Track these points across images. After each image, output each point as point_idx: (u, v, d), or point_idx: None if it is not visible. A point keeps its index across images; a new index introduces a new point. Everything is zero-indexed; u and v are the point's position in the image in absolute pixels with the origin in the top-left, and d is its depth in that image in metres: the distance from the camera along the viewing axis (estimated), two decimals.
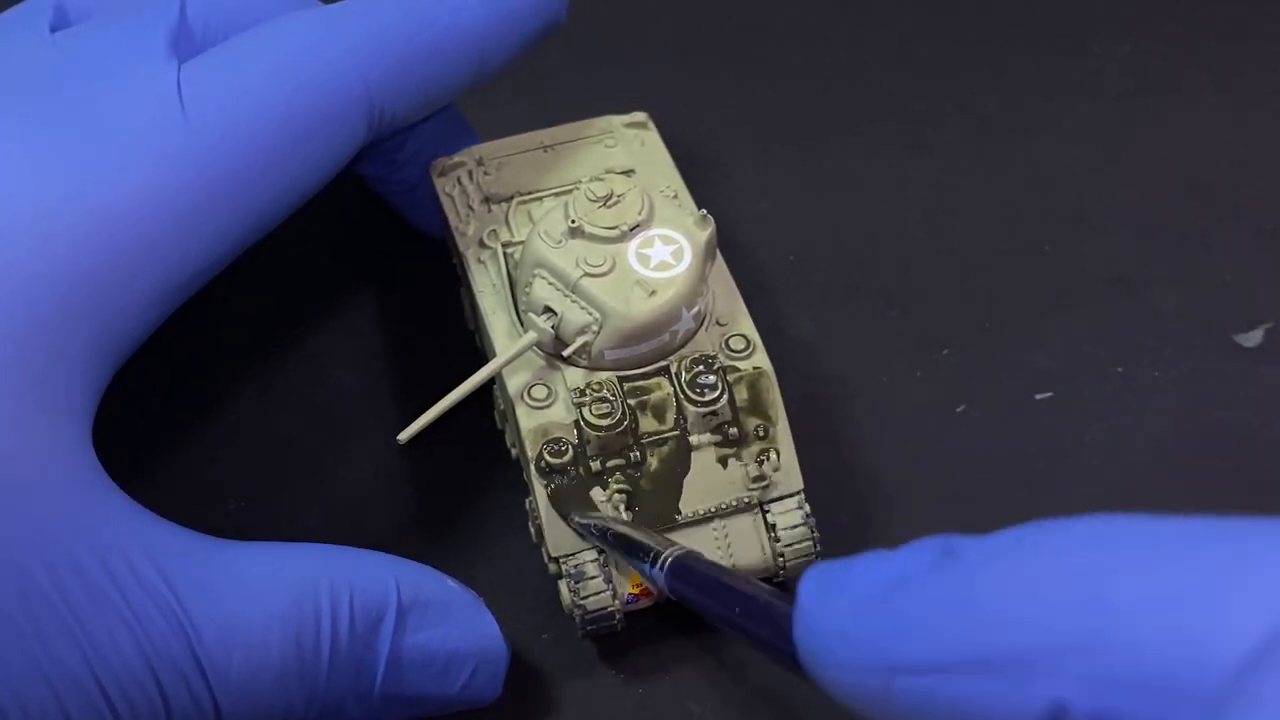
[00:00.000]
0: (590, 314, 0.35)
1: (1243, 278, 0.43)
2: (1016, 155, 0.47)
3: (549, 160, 0.40)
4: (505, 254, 0.38)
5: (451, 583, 0.34)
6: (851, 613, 0.24)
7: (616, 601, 0.35)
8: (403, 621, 0.32)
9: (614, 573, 0.35)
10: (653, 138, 0.41)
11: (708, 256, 0.36)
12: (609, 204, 0.35)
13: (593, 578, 0.35)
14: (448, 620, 0.33)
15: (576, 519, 0.34)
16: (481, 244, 0.38)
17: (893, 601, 0.24)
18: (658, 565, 0.31)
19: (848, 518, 0.38)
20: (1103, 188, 0.46)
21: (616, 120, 0.41)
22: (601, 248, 0.35)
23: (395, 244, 0.44)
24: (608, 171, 0.39)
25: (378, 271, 0.44)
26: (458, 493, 0.39)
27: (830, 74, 0.49)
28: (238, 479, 0.40)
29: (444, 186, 0.40)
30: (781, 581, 0.36)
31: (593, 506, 0.34)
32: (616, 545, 0.33)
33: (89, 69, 0.34)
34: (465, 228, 0.39)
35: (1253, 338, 0.42)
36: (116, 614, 0.30)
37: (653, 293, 0.34)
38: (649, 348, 0.35)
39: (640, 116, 0.41)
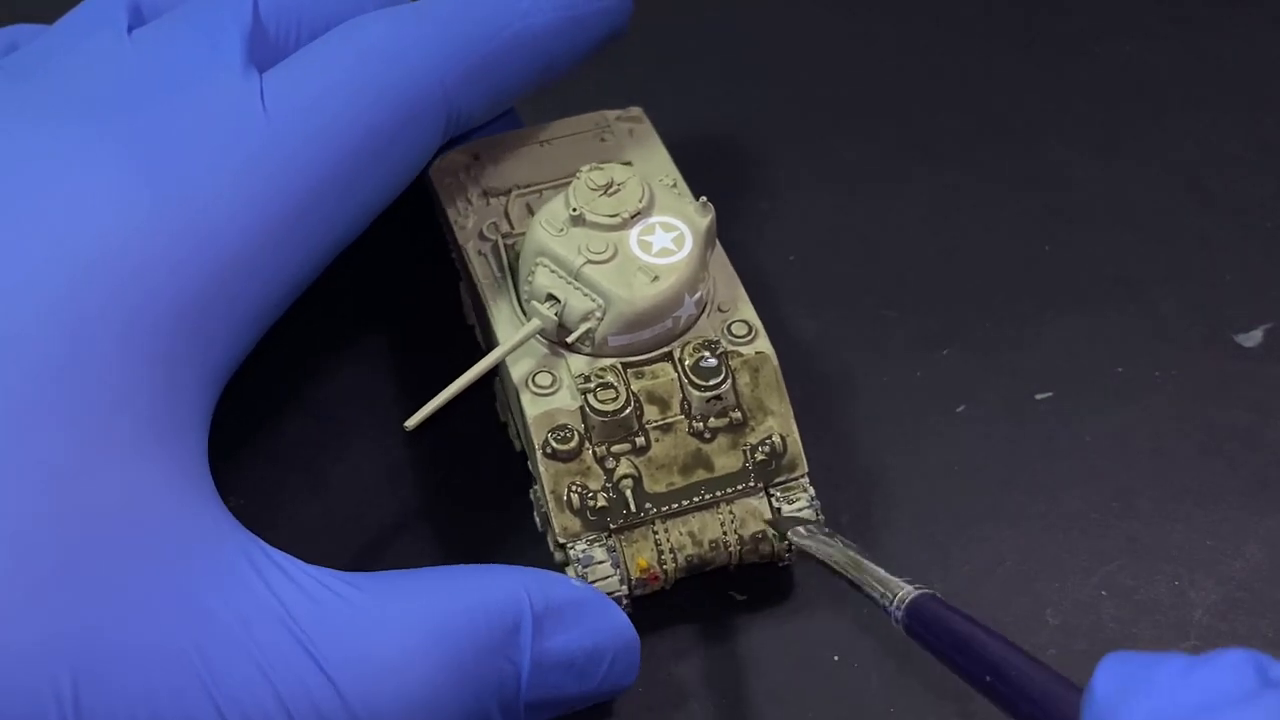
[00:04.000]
0: (593, 300, 0.35)
1: (1243, 278, 0.43)
2: (1016, 155, 0.47)
3: (546, 154, 0.40)
4: (505, 245, 0.38)
5: (575, 581, 0.34)
6: None
7: (624, 587, 0.35)
8: (539, 629, 0.32)
9: (622, 558, 0.35)
10: (647, 131, 0.41)
11: (709, 243, 0.36)
12: (609, 192, 0.36)
13: (600, 562, 0.35)
14: (581, 620, 0.33)
15: (794, 538, 0.34)
16: (481, 236, 0.38)
17: None
18: (894, 605, 0.30)
19: (848, 518, 0.38)
20: (1103, 188, 0.46)
21: (611, 115, 0.41)
22: (603, 235, 0.35)
23: (396, 243, 0.44)
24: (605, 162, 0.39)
25: (378, 271, 0.44)
26: (459, 491, 0.39)
27: (830, 74, 0.49)
28: (238, 478, 0.39)
29: (441, 181, 0.40)
30: (786, 565, 0.37)
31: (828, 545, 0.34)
32: (841, 573, 0.32)
33: (170, 78, 0.33)
34: (465, 221, 0.39)
35: (1253, 337, 0.42)
36: (252, 664, 0.29)
37: (656, 278, 0.35)
38: (652, 334, 0.35)
39: (635, 111, 0.42)
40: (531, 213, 0.39)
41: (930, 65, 0.49)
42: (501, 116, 0.40)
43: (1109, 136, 0.47)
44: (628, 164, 0.39)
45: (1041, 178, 0.46)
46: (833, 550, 0.33)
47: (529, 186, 0.39)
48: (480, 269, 0.38)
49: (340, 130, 0.34)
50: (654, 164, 0.40)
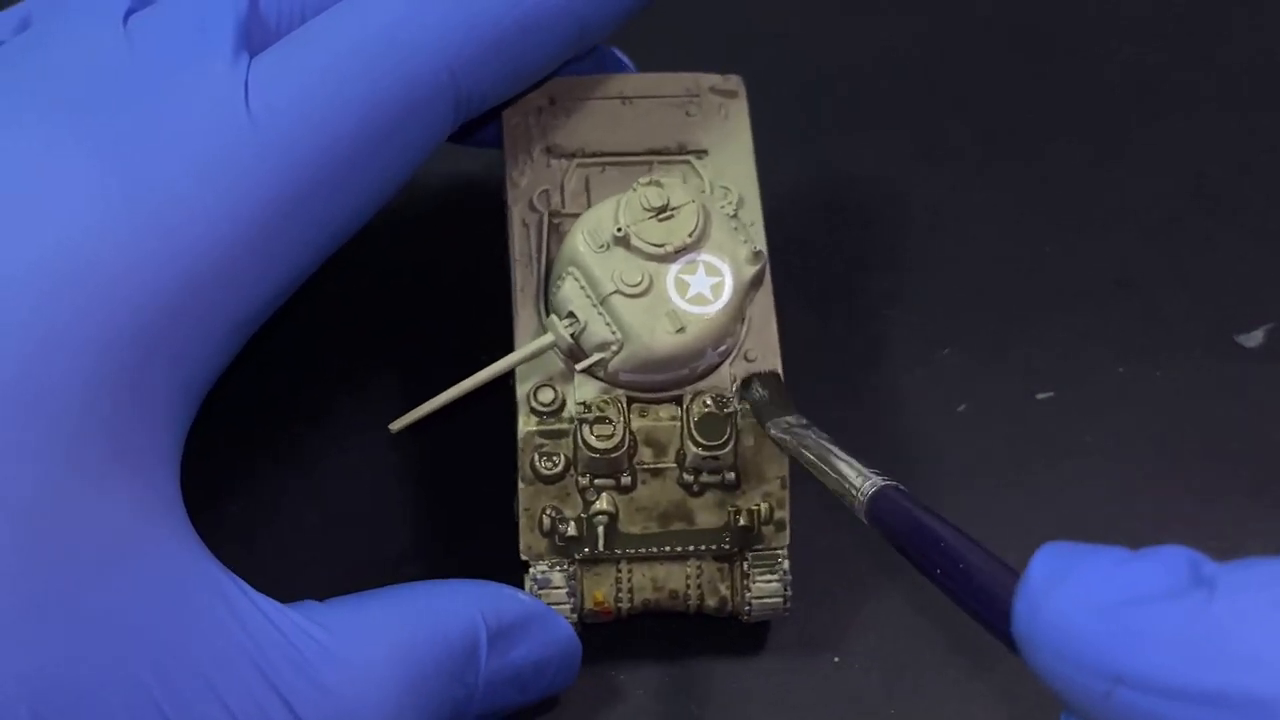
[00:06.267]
0: (612, 332, 0.33)
1: (1243, 278, 0.43)
2: (1017, 155, 0.47)
3: (623, 117, 0.38)
4: (551, 224, 0.36)
5: (523, 596, 0.34)
6: (1088, 610, 0.23)
7: (575, 615, 0.35)
8: (492, 648, 0.33)
9: (580, 587, 0.35)
10: (739, 110, 0.38)
11: (749, 292, 0.34)
12: (661, 217, 0.34)
13: (557, 588, 0.35)
14: (529, 636, 0.33)
15: (773, 430, 0.33)
16: (530, 205, 0.36)
17: (1136, 614, 0.23)
18: (859, 496, 0.30)
19: (848, 517, 0.38)
20: (1103, 188, 0.46)
21: (705, 81, 0.38)
22: (641, 264, 0.33)
23: (397, 241, 0.44)
24: (680, 148, 0.37)
25: (379, 269, 0.44)
26: (457, 492, 0.39)
27: (831, 74, 0.49)
28: (238, 479, 0.39)
29: (510, 122, 0.37)
30: (744, 627, 0.36)
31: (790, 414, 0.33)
32: (811, 466, 0.32)
33: (157, 70, 0.31)
34: (520, 178, 0.37)
35: (1253, 338, 0.42)
36: (217, 701, 0.29)
37: (681, 329, 0.33)
38: (665, 376, 0.34)
39: (733, 81, 0.38)
40: (588, 189, 0.37)
41: (930, 65, 0.49)
42: (592, 53, 0.37)
43: (1109, 137, 0.47)
44: (702, 154, 0.37)
45: (1042, 178, 0.46)
46: (808, 442, 0.32)
47: (594, 156, 0.37)
48: (519, 243, 0.36)
49: (333, 124, 0.31)
50: (730, 154, 0.37)
